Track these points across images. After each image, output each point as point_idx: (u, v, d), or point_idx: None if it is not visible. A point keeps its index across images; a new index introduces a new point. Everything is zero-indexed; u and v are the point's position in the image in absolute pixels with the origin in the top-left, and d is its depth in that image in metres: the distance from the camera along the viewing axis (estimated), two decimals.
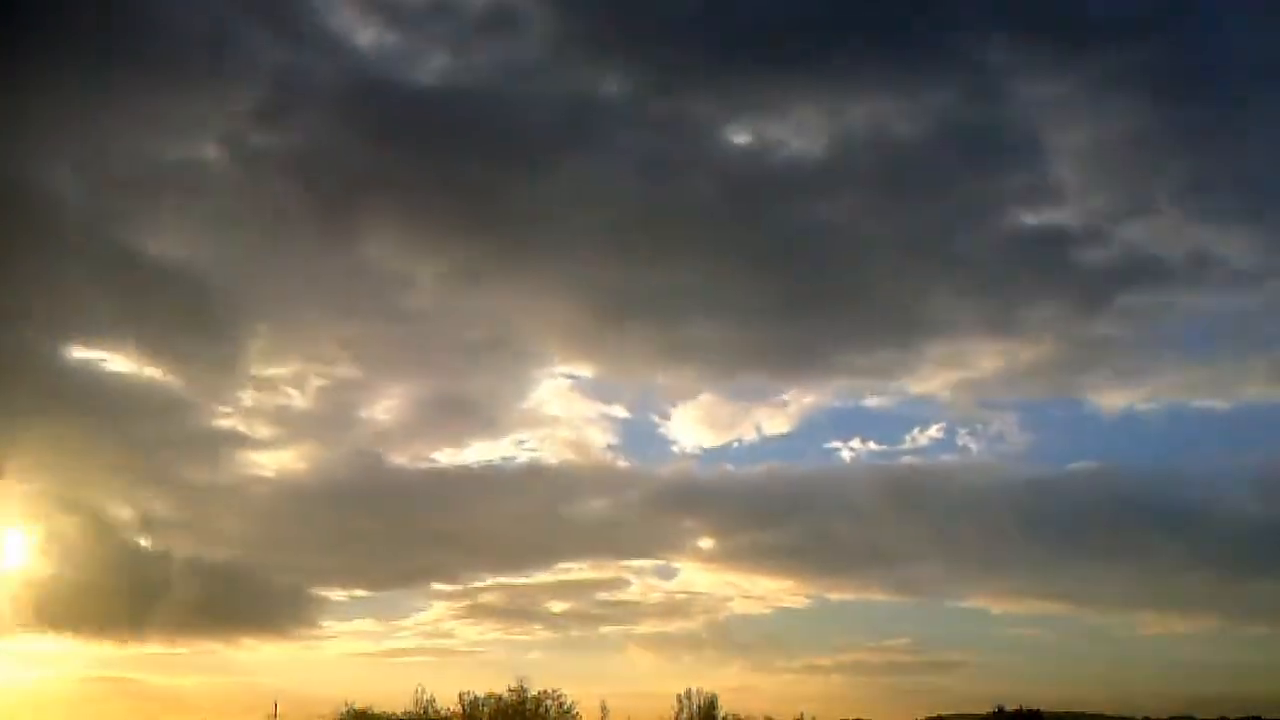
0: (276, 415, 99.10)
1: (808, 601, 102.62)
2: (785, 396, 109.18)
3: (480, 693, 66.22)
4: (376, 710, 66.44)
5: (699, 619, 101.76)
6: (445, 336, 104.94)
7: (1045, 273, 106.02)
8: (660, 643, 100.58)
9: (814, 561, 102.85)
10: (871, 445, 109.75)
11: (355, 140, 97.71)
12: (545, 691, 66.10)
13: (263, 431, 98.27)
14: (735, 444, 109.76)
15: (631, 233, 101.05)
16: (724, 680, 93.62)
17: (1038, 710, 76.47)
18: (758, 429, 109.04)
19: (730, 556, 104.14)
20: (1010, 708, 76.38)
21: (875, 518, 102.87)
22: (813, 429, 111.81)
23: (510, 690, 65.90)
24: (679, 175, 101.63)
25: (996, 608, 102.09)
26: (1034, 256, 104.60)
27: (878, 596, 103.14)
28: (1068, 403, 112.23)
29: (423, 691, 66.09)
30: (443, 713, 66.03)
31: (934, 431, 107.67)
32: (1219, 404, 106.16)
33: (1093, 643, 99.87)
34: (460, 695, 66.30)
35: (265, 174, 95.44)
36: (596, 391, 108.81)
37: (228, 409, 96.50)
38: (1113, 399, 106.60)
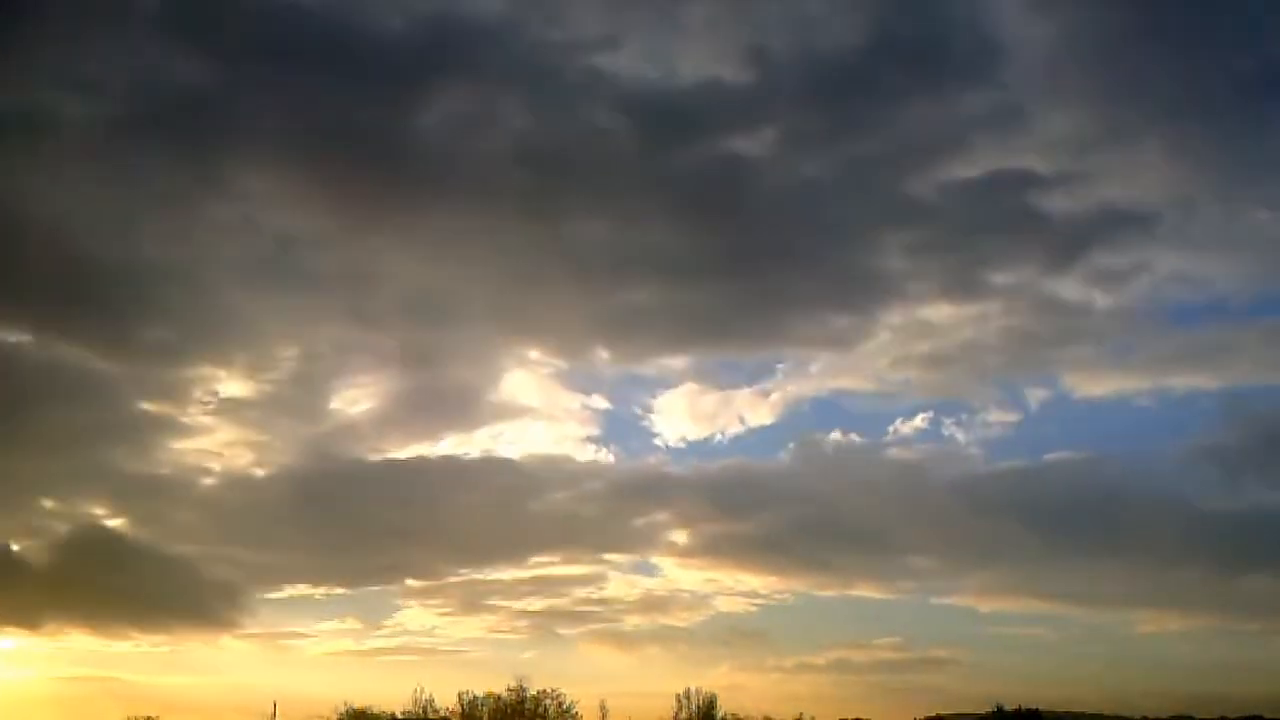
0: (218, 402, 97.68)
1: (792, 598, 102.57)
2: (767, 385, 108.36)
3: (479, 692, 66.28)
4: (375, 710, 66.42)
5: (682, 616, 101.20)
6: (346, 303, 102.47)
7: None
8: (643, 640, 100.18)
9: (796, 556, 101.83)
10: (854, 437, 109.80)
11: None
12: (544, 691, 66.11)
13: (201, 419, 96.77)
14: (717, 436, 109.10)
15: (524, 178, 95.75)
16: (714, 680, 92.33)
17: (1037, 710, 76.23)
18: (741, 419, 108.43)
19: (710, 551, 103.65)
20: (1010, 707, 76.16)
21: (859, 511, 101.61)
22: (796, 419, 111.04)
23: (509, 690, 65.97)
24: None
25: (984, 605, 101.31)
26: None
27: (864, 593, 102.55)
28: (1048, 380, 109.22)
29: (421, 691, 66.26)
30: (441, 712, 65.90)
31: (919, 421, 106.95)
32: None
33: (1086, 642, 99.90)
34: (459, 695, 66.44)
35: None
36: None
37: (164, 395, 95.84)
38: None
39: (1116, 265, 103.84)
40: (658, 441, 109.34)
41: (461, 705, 65.93)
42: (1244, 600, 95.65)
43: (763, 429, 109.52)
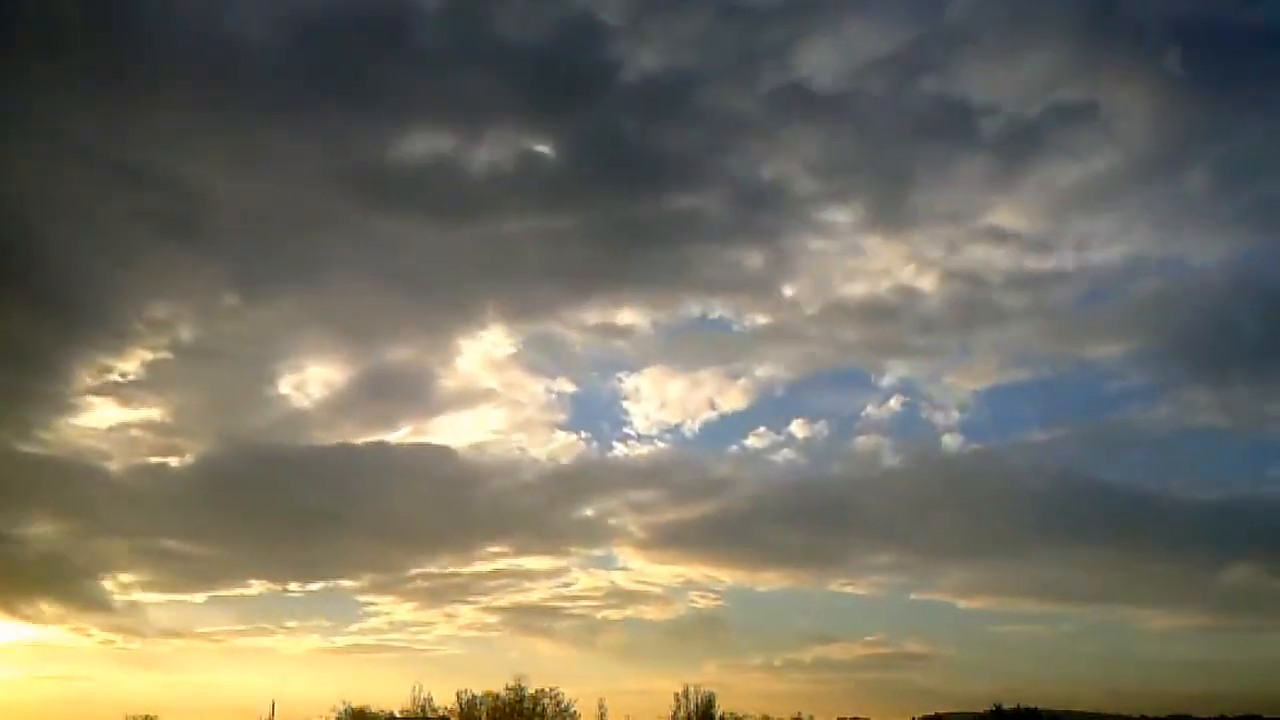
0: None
1: (761, 591, 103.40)
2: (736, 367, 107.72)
3: (477, 691, 66.64)
4: (373, 710, 66.79)
5: (654, 610, 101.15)
6: None
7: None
8: (614, 635, 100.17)
9: (761, 551, 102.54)
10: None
11: None
12: (542, 690, 66.40)
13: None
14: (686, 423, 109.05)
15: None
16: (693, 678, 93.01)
17: (1035, 708, 76.31)
18: (711, 404, 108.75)
19: (674, 544, 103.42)
20: (1008, 706, 76.25)
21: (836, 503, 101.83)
22: (771, 405, 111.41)
23: (508, 689, 66.27)
24: None
25: (963, 601, 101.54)
26: None
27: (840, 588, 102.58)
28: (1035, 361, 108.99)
29: (419, 690, 66.50)
30: (440, 711, 66.23)
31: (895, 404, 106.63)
32: None
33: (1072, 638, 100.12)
34: (458, 694, 66.84)
35: None
36: None
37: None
38: None
39: None
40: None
41: (460, 704, 66.40)
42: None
43: (735, 414, 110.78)
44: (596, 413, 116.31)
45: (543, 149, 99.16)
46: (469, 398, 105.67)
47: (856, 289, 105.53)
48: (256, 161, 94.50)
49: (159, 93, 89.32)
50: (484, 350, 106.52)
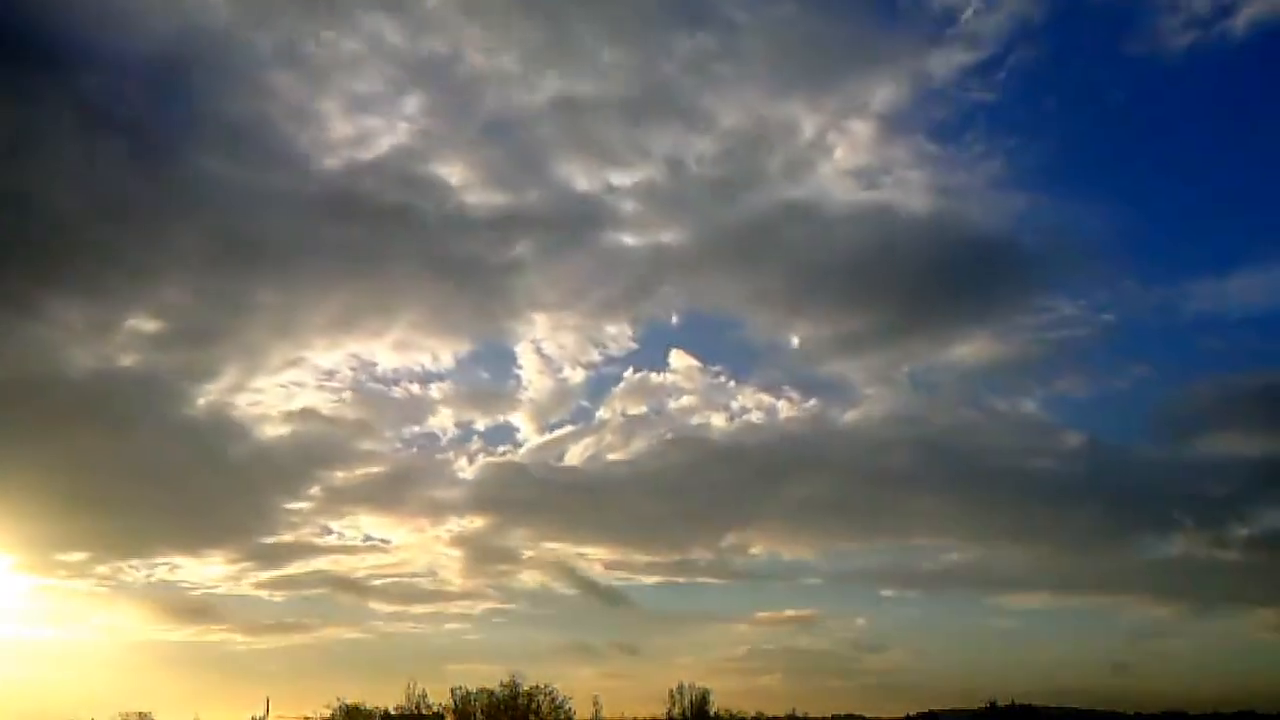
0: None
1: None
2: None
3: (472, 688, 66.70)
4: (368, 706, 66.89)
5: None
6: None
7: None
8: None
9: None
10: None
11: None
12: (537, 686, 66.51)
13: None
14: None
15: None
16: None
17: (1030, 705, 76.61)
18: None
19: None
20: (1002, 703, 76.51)
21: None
22: None
23: (502, 685, 66.34)
24: None
25: None
26: None
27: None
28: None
29: (414, 687, 66.46)
30: (435, 708, 66.27)
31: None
32: None
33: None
34: (452, 690, 66.88)
35: None
36: None
37: None
38: None
39: None
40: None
41: (454, 701, 66.45)
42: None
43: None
44: None
45: None
46: None
47: None
48: None
49: None
50: None
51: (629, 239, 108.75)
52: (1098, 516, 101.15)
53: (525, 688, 66.05)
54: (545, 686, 66.48)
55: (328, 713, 66.26)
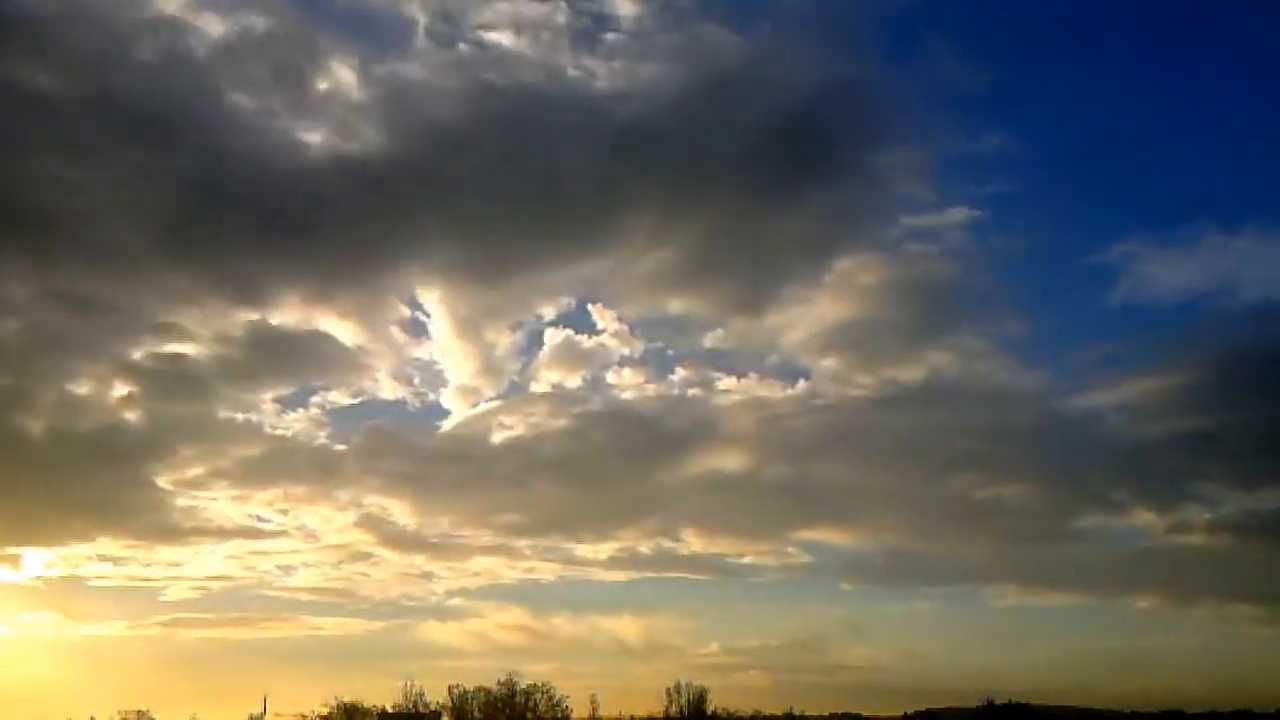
0: None
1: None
2: None
3: (469, 686, 66.73)
4: (366, 704, 66.91)
5: None
6: None
7: None
8: None
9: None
10: None
11: None
12: (534, 685, 66.61)
13: None
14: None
15: None
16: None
17: (1026, 704, 76.55)
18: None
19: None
20: (999, 701, 76.44)
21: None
22: None
23: (499, 684, 66.39)
24: None
25: None
26: None
27: None
28: None
29: (411, 685, 66.43)
30: (432, 707, 66.32)
31: None
32: None
33: None
34: (449, 688, 66.98)
35: None
36: None
37: None
38: None
39: None
40: None
41: (451, 699, 66.55)
42: None
43: None
44: None
45: None
46: None
47: None
48: None
49: None
50: None
51: None
52: None
53: (523, 686, 66.36)
54: (543, 685, 66.86)
55: (325, 710, 66.43)
